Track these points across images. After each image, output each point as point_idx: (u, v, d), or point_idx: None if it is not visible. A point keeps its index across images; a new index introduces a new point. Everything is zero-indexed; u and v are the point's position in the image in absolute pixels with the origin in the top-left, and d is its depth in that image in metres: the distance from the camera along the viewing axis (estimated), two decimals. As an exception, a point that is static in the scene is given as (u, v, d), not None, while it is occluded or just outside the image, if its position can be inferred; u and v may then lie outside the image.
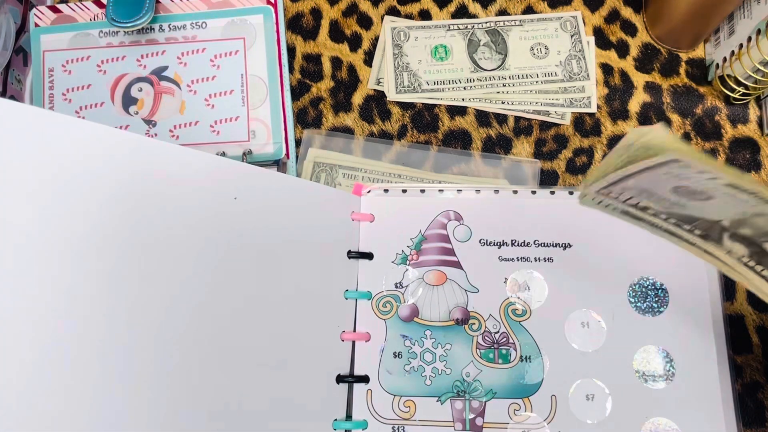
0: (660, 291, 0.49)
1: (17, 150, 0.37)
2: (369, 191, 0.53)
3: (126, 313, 0.40)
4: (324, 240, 0.49)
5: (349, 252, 0.50)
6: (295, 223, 0.48)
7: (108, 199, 0.40)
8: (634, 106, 0.59)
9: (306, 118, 0.59)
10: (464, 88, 0.59)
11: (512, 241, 0.50)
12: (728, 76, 0.56)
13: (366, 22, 0.62)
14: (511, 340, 0.48)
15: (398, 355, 0.49)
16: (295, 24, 0.62)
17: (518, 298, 0.49)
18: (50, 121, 0.39)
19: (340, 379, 0.48)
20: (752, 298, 0.53)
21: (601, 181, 0.37)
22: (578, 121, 0.59)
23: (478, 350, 0.48)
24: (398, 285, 0.50)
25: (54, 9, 0.60)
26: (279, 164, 0.57)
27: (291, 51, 0.61)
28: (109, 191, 0.40)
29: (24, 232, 0.37)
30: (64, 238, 0.38)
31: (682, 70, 0.60)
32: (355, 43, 0.62)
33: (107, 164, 0.40)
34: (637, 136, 0.32)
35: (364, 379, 0.48)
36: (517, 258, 0.50)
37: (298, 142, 0.59)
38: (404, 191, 0.53)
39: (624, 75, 0.60)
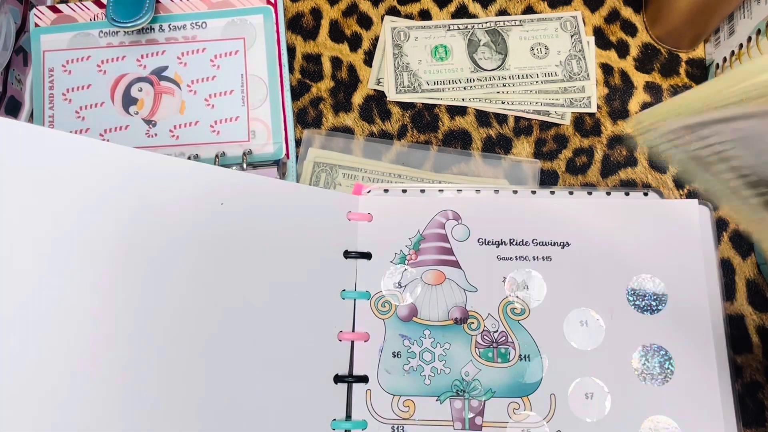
0: (659, 289, 0.48)
1: (17, 167, 0.38)
2: (369, 191, 0.53)
3: (125, 318, 0.40)
4: (320, 241, 0.49)
5: (346, 252, 0.50)
6: (290, 227, 0.48)
7: (108, 212, 0.41)
8: (634, 106, 0.59)
9: (306, 118, 0.59)
10: (464, 88, 0.59)
11: (510, 240, 0.50)
12: (728, 75, 0.56)
13: (366, 22, 0.62)
14: (510, 339, 0.48)
15: (397, 354, 0.48)
16: (295, 24, 0.62)
17: (517, 297, 0.49)
18: (45, 138, 0.40)
19: (338, 379, 0.48)
20: (752, 298, 0.53)
21: (686, 119, 0.30)
22: (578, 121, 0.59)
23: (477, 349, 0.48)
24: (397, 285, 0.50)
25: (54, 9, 0.60)
26: (279, 164, 0.56)
27: (291, 51, 0.61)
28: (109, 205, 0.41)
29: (25, 244, 0.38)
30: (62, 249, 0.39)
31: (682, 70, 0.60)
32: (355, 43, 0.62)
33: (105, 179, 0.41)
34: (758, 70, 0.26)
35: (363, 379, 0.48)
36: (516, 257, 0.50)
37: (298, 142, 0.59)
38: (404, 191, 0.53)
39: (624, 75, 0.60)
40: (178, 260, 0.43)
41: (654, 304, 0.48)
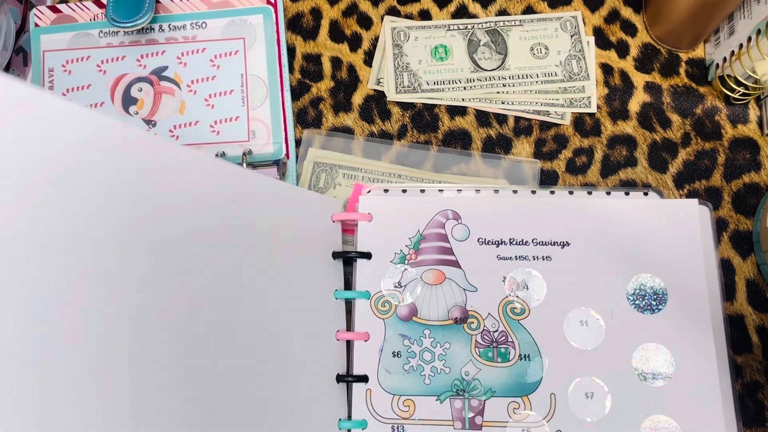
0: (659, 289, 0.49)
1: (11, 139, 0.37)
2: (369, 191, 0.53)
3: (120, 315, 0.40)
4: (309, 242, 0.49)
5: (335, 253, 0.50)
6: (278, 227, 0.48)
7: (104, 194, 0.40)
8: (634, 106, 0.59)
9: (306, 118, 0.59)
10: (464, 88, 0.59)
11: (510, 239, 0.50)
12: (728, 76, 0.56)
13: (366, 22, 0.62)
14: (510, 339, 0.48)
15: (397, 354, 0.49)
16: (295, 24, 0.62)
17: (517, 296, 0.49)
18: (47, 105, 0.36)
19: (338, 378, 0.48)
20: (752, 298, 0.53)
21: None
22: (578, 121, 0.59)
23: (477, 349, 0.48)
24: (397, 284, 0.50)
25: (54, 9, 0.60)
26: (279, 164, 0.57)
27: (291, 51, 0.61)
28: (106, 185, 0.40)
29: (16, 227, 0.37)
30: (58, 234, 0.38)
31: (682, 70, 0.60)
32: (355, 43, 0.62)
33: (105, 157, 0.40)
34: None
35: (364, 378, 0.48)
36: (516, 257, 0.50)
37: (298, 142, 0.59)
38: (404, 191, 0.53)
39: (624, 75, 0.60)
40: (175, 262, 0.43)
41: (654, 303, 0.48)
